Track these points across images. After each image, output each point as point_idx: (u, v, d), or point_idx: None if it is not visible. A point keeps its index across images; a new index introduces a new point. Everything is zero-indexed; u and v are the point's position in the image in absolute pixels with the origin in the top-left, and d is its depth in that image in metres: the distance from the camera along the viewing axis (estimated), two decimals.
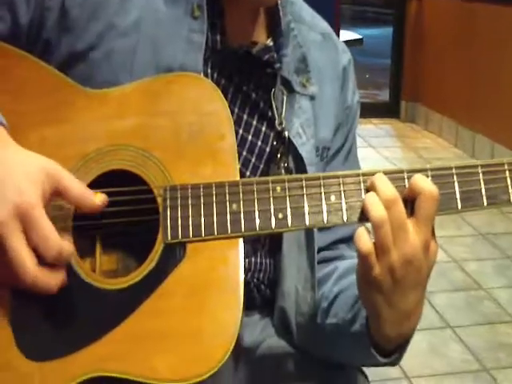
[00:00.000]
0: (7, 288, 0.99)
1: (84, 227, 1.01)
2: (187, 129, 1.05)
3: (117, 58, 1.11)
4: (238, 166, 1.05)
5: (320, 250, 1.25)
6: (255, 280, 1.24)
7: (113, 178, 1.04)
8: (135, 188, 1.03)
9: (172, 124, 1.05)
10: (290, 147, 1.21)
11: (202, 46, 1.13)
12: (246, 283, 1.20)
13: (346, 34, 5.08)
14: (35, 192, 0.92)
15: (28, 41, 1.10)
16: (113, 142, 1.05)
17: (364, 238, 0.97)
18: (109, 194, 1.01)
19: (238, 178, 1.04)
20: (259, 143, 1.21)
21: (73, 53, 1.11)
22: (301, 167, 1.21)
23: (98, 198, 0.98)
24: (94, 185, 1.02)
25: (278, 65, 1.20)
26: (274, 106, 1.20)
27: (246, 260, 1.21)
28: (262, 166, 1.21)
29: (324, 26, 1.34)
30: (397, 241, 0.97)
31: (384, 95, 7.83)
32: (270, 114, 1.21)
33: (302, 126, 1.23)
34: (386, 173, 1.01)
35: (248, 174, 1.19)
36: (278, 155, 1.20)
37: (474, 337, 3.17)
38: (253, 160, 1.20)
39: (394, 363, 1.10)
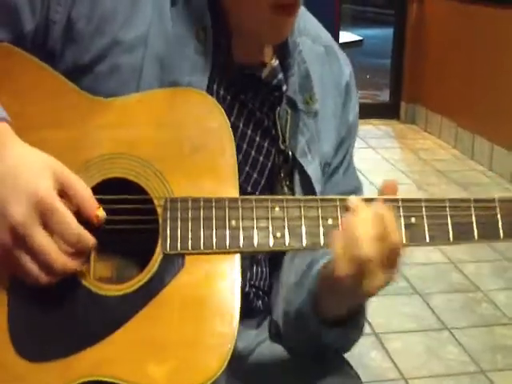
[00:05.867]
0: (5, 289, 1.00)
1: None
2: (189, 142, 1.06)
3: (123, 73, 1.11)
4: (238, 183, 1.06)
5: None
6: (254, 290, 1.24)
7: (113, 185, 1.05)
8: (136, 197, 1.04)
9: (175, 136, 1.07)
10: (295, 166, 1.22)
11: (207, 68, 1.14)
12: (246, 295, 1.21)
13: (346, 36, 5.05)
14: (46, 183, 0.95)
15: (32, 48, 1.11)
16: (115, 151, 1.06)
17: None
18: (109, 201, 1.03)
19: (237, 195, 1.05)
20: (261, 159, 1.22)
21: (77, 64, 1.12)
22: (307, 185, 1.22)
23: (100, 212, 1.00)
24: (94, 191, 1.03)
25: (284, 87, 1.20)
26: (278, 125, 1.21)
27: (248, 271, 1.22)
28: (263, 182, 1.22)
29: (327, 37, 1.34)
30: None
31: (384, 96, 7.81)
32: (273, 131, 1.21)
33: (308, 143, 1.23)
34: (385, 200, 1.04)
35: (249, 189, 1.20)
36: (282, 174, 1.21)
37: (471, 339, 3.16)
38: (255, 175, 1.21)
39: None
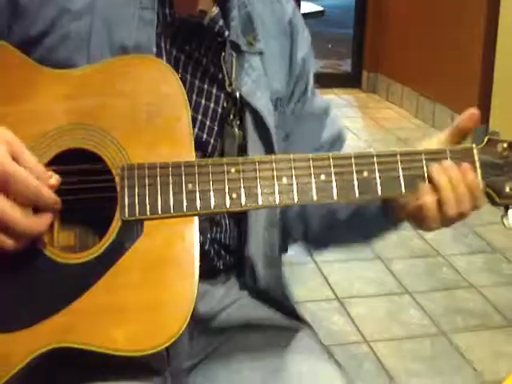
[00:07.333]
0: None
1: None
2: (144, 109, 1.08)
3: (73, 41, 1.13)
4: (194, 148, 1.08)
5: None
6: (215, 246, 1.26)
7: (72, 156, 1.06)
8: (94, 166, 1.06)
9: (130, 104, 1.08)
10: (244, 106, 1.25)
11: (154, 22, 1.16)
12: (206, 252, 1.23)
13: (307, 6, 5.05)
14: (0, 149, 0.96)
15: None
16: (72, 121, 1.07)
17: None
18: (68, 172, 1.04)
19: (193, 159, 1.07)
20: (212, 105, 1.24)
21: (26, 39, 1.13)
22: (259, 121, 1.25)
23: (54, 177, 1.02)
24: (53, 162, 1.05)
25: (227, 33, 1.23)
26: (224, 70, 1.23)
27: (208, 232, 1.25)
28: (216, 128, 1.24)
29: None
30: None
31: (346, 65, 7.85)
32: (220, 76, 1.24)
33: (255, 82, 1.26)
34: (334, 157, 1.09)
35: (205, 136, 1.23)
36: (231, 116, 1.24)
37: (431, 302, 3.23)
38: (208, 123, 1.23)
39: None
